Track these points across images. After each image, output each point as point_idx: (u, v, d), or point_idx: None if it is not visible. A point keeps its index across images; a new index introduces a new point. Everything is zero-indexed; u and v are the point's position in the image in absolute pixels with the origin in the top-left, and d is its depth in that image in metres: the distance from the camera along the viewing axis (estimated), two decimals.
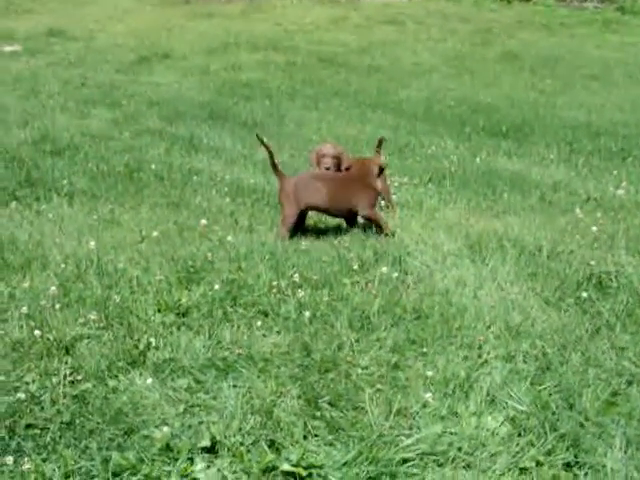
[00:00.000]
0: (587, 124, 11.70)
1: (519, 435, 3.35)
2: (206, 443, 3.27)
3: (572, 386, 3.66)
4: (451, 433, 3.36)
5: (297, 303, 4.62)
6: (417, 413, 3.51)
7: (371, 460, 3.15)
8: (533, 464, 3.16)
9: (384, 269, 5.07)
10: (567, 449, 3.24)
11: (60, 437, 3.37)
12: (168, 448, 3.24)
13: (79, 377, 3.83)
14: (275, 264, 5.21)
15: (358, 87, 15.19)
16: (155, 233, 6.13)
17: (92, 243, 5.73)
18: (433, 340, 4.18)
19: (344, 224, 6.37)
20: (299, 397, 3.65)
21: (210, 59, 18.11)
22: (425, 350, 4.07)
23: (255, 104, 13.26)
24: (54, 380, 3.79)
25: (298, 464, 3.12)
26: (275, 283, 4.85)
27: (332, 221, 6.46)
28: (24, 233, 6.22)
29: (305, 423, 3.43)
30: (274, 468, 3.13)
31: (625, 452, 3.21)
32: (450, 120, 12.13)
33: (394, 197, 7.37)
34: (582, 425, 3.38)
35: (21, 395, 3.63)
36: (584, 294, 4.69)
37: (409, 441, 3.29)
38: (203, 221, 6.43)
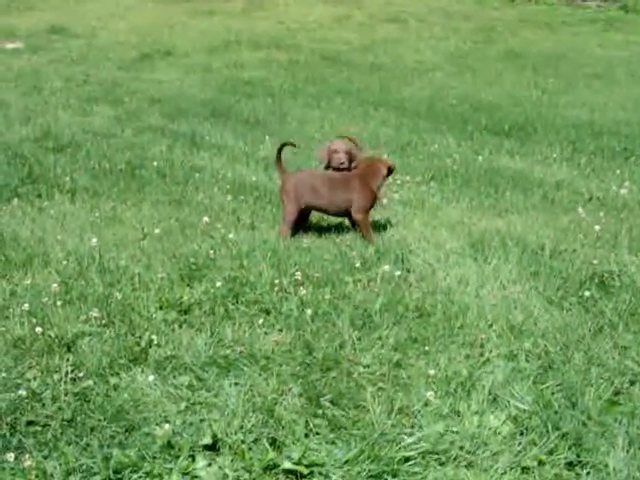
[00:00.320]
0: (590, 123, 11.67)
1: (521, 434, 3.34)
2: (207, 441, 3.26)
3: (574, 385, 3.65)
4: (453, 432, 3.36)
5: (299, 301, 4.61)
6: (419, 412, 3.51)
7: (373, 458, 3.15)
8: (535, 463, 3.15)
9: (386, 267, 5.06)
10: (569, 448, 3.23)
11: (61, 434, 3.37)
12: (169, 445, 3.24)
13: (80, 374, 3.83)
14: (277, 262, 5.21)
15: (361, 85, 15.17)
16: (157, 230, 6.13)
17: (94, 240, 5.73)
18: (435, 338, 4.17)
19: (346, 222, 6.35)
20: (301, 395, 3.64)
21: (212, 57, 18.10)
22: (427, 348, 4.07)
23: (257, 102, 13.25)
24: (55, 377, 3.78)
25: (299, 462, 3.12)
26: (277, 281, 4.84)
27: (334, 219, 6.44)
28: (26, 230, 6.22)
29: (307, 421, 3.42)
30: (275, 466, 3.13)
31: (627, 451, 3.20)
32: (452, 118, 12.10)
33: (396, 195, 7.36)
34: (584, 424, 3.37)
35: (22, 392, 3.63)
36: (587, 293, 4.68)
37: (411, 440, 3.28)
38: (205, 218, 6.42)
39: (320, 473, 3.10)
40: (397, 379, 3.79)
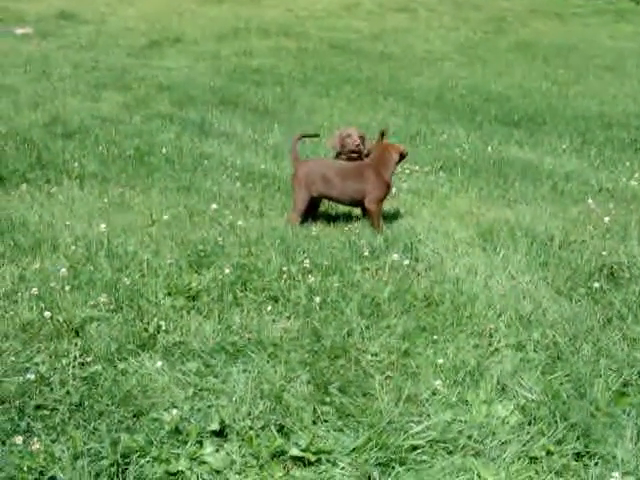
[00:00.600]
0: (600, 114, 11.63)
1: (529, 424, 3.33)
2: (215, 427, 3.26)
3: (583, 376, 3.64)
4: (461, 421, 3.35)
5: (307, 289, 4.61)
6: (427, 400, 3.50)
7: (380, 446, 3.14)
8: (543, 453, 3.14)
9: (395, 256, 5.05)
10: (577, 439, 3.22)
11: (69, 418, 3.37)
12: (177, 431, 3.24)
13: (89, 359, 3.83)
14: (285, 249, 5.20)
15: (370, 74, 15.14)
16: (165, 217, 6.13)
17: (102, 226, 5.73)
18: (443, 328, 4.16)
19: (354, 211, 6.34)
20: (309, 382, 3.64)
21: (221, 44, 18.07)
22: (435, 338, 4.06)
23: (266, 90, 13.23)
24: (64, 361, 3.79)
25: (307, 449, 3.11)
26: (285, 268, 4.83)
27: (342, 208, 6.44)
28: (34, 215, 6.23)
29: (314, 408, 3.41)
30: (283, 453, 3.12)
31: (636, 443, 3.18)
32: (462, 108, 12.08)
33: (404, 185, 7.35)
34: (593, 415, 3.36)
35: (31, 376, 3.63)
36: (596, 284, 4.66)
37: (419, 428, 3.27)
38: (213, 205, 6.42)
39: (328, 460, 3.10)
40: (405, 368, 3.78)
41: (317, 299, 4.44)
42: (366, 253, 5.16)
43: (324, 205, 6.46)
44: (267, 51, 17.51)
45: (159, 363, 3.77)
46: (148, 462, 3.06)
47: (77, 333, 4.09)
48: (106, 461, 3.05)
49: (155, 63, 15.89)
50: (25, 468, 3.00)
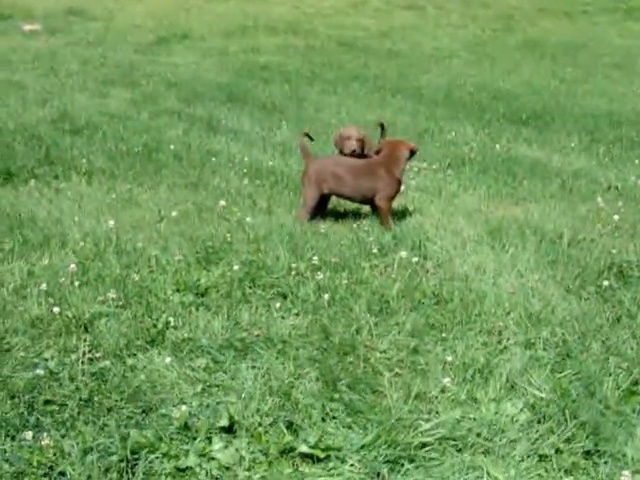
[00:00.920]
0: (608, 113, 11.59)
1: (539, 422, 3.32)
2: (224, 423, 3.26)
3: (593, 374, 3.63)
4: (470, 418, 3.34)
5: (316, 286, 4.60)
6: (436, 398, 3.50)
7: (389, 444, 3.14)
8: (553, 451, 3.14)
9: (403, 253, 5.04)
10: (587, 437, 3.21)
11: (79, 414, 3.37)
12: (186, 427, 3.24)
13: (98, 355, 3.83)
14: (294, 246, 5.20)
15: (378, 72, 15.13)
16: (174, 213, 6.13)
17: (111, 222, 5.73)
18: (452, 325, 4.16)
19: (363, 208, 6.33)
20: (317, 379, 3.63)
21: (229, 41, 18.09)
22: (444, 335, 4.05)
23: (274, 87, 13.23)
24: (73, 357, 3.79)
25: (316, 446, 3.11)
26: (294, 265, 4.83)
27: (351, 205, 6.42)
28: (43, 211, 6.23)
29: (323, 405, 3.41)
30: (292, 449, 3.12)
31: None
32: (470, 106, 12.05)
33: (413, 182, 7.33)
34: (602, 413, 3.35)
35: (40, 371, 3.63)
36: (605, 282, 4.66)
37: (428, 425, 3.27)
38: (222, 202, 6.41)
39: (337, 457, 3.09)
40: (414, 365, 3.78)
41: (326, 296, 4.43)
42: (375, 250, 5.15)
43: (332, 202, 6.45)
44: (275, 48, 17.51)
45: (168, 359, 3.77)
46: (157, 458, 3.06)
47: (86, 329, 4.10)
48: (115, 457, 3.05)
49: (163, 59, 15.91)
50: (35, 463, 3.01)
